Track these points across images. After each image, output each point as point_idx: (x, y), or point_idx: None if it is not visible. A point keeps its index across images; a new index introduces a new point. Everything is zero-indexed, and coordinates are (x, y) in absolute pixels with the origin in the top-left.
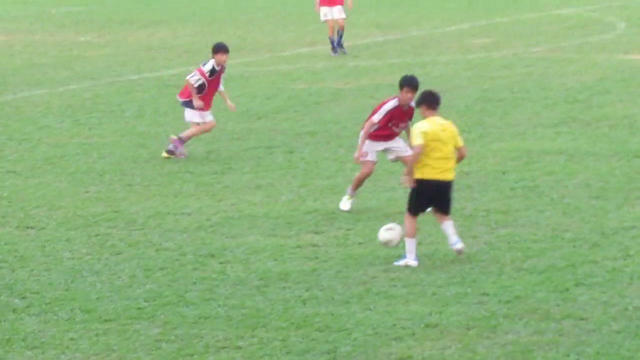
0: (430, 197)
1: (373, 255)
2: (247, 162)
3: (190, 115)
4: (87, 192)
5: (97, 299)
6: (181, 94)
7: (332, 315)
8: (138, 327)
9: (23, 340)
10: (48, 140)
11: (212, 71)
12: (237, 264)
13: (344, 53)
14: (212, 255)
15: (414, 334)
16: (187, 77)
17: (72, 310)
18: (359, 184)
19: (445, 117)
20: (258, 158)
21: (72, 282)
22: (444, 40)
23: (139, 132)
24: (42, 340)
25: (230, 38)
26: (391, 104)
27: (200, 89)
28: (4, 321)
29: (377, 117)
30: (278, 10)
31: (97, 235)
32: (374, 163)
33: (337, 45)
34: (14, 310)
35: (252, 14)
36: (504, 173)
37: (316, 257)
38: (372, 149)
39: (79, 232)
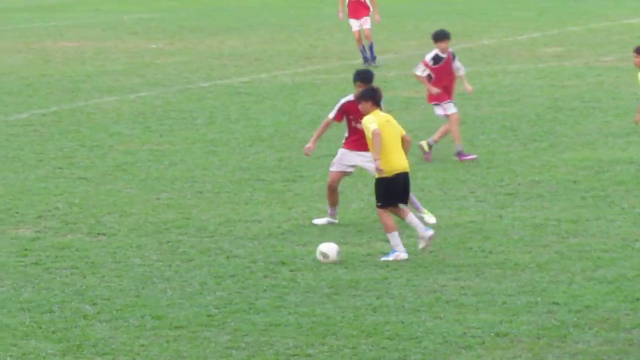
0: (399, 189)
1: (443, 263)
2: (317, 169)
3: (437, 110)
4: (158, 199)
5: (168, 305)
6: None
7: (402, 323)
8: (208, 334)
9: (94, 346)
10: (119, 147)
11: (436, 59)
12: (307, 272)
13: (375, 66)
14: (283, 263)
15: (483, 342)
16: (413, 70)
17: (142, 317)
18: (330, 198)
19: (516, 127)
20: (329, 166)
21: (142, 288)
22: (514, 49)
23: (209, 140)
24: (113, 346)
25: (300, 46)
26: (345, 98)
27: (429, 79)
28: (75, 327)
29: (331, 113)
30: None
31: (168, 242)
32: (341, 174)
33: (370, 58)
34: (84, 317)
35: (323, 22)
36: (574, 182)
37: (387, 265)
38: (342, 161)
39: (150, 239)
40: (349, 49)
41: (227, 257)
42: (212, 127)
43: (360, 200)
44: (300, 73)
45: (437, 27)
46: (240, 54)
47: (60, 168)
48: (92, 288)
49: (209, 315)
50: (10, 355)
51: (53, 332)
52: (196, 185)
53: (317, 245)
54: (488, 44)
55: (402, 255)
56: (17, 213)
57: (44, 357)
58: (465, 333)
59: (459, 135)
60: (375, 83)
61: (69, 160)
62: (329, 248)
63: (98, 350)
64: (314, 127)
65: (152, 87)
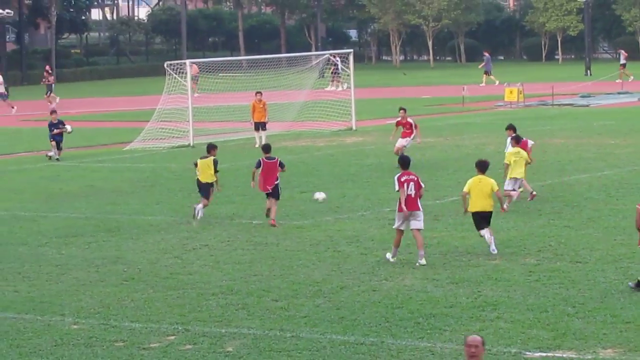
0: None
1: None
2: None
3: None
4: (615, 239)
5: (621, 308)
6: None
7: None
8: None
9: (573, 334)
10: (590, 207)
11: None
12: None
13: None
14: None
15: None
16: None
17: (604, 315)
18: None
19: None
20: None
21: (605, 297)
22: None
23: None
24: (586, 334)
25: None
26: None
27: None
28: (561, 322)
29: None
30: None
31: (622, 267)
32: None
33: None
34: (567, 315)
35: None
36: None
37: None
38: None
39: (610, 266)
40: None
41: None
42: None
43: None
44: None
45: None
46: None
47: (552, 219)
48: (572, 297)
49: None
50: (525, 337)
51: (547, 324)
52: None
53: None
54: None
55: None
56: (525, 248)
57: (543, 342)
58: None
59: None
60: None
61: (558, 215)
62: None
63: (577, 336)
64: None
65: (612, 168)
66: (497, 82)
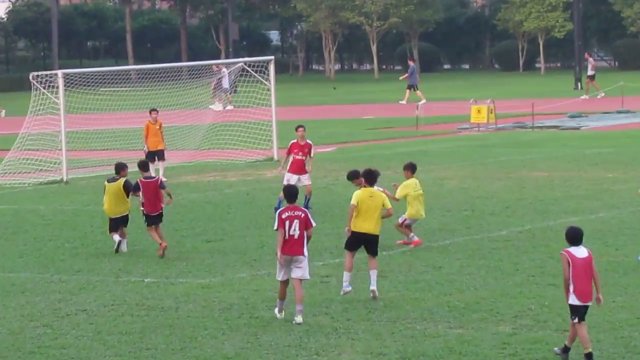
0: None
1: None
2: None
3: None
4: (613, 301)
5: None
6: None
7: None
8: None
9: None
10: None
11: None
12: None
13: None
14: None
15: None
16: None
17: None
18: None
19: None
20: None
21: None
22: None
23: None
24: None
25: None
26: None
27: None
28: None
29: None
30: None
31: (622, 337)
32: None
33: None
34: None
35: None
36: None
37: None
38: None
39: (607, 335)
40: None
41: None
42: None
43: None
44: None
45: None
46: None
47: (533, 276)
48: None
49: None
50: None
51: None
52: None
53: None
54: None
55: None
56: (497, 313)
57: None
58: None
59: None
60: None
61: (540, 270)
62: None
63: None
64: None
65: (609, 209)
66: (424, 101)
